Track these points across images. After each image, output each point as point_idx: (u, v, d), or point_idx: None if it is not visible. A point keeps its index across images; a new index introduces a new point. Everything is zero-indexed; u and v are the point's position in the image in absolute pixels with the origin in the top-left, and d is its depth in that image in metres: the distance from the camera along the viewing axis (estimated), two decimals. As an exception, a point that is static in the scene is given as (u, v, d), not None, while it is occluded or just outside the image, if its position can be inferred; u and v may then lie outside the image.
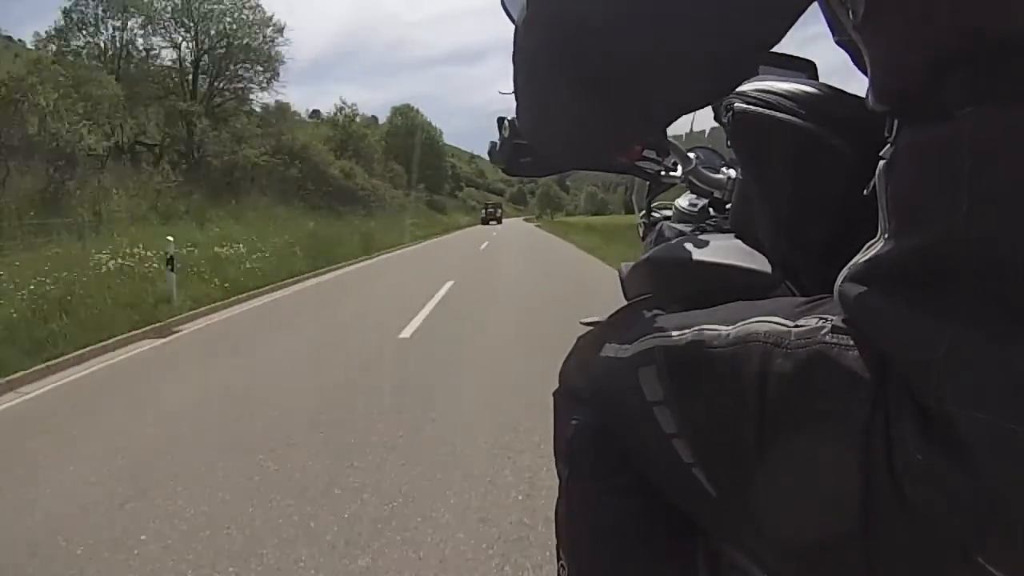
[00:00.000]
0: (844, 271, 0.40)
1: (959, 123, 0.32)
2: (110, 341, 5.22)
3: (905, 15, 0.33)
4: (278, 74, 23.39)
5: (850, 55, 0.42)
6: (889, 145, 0.38)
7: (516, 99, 0.51)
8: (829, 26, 0.43)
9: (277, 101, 26.37)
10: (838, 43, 0.43)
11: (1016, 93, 0.30)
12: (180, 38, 21.71)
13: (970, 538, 0.33)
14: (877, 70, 0.37)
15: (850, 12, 0.36)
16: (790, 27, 0.39)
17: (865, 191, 0.41)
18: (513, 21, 0.48)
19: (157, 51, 21.37)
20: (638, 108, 0.43)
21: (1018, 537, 0.31)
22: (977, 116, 0.31)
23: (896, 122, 0.37)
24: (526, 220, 66.27)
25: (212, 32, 22.04)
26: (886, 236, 0.37)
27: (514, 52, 0.46)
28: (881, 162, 0.39)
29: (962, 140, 0.32)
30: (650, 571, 0.61)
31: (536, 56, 0.44)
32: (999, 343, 0.30)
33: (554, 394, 0.74)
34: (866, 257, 0.38)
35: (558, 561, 0.72)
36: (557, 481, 0.70)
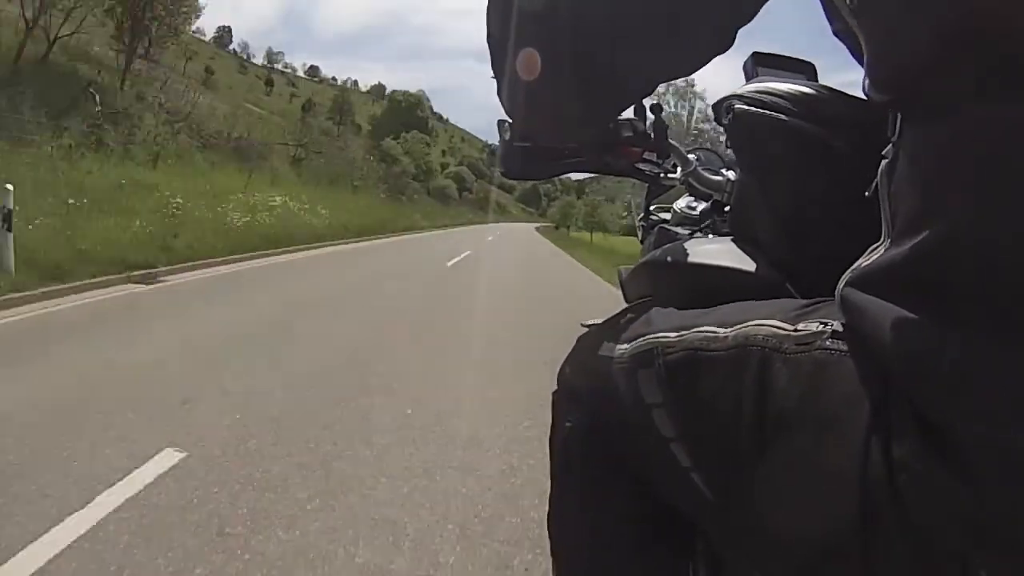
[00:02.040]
0: (846, 275, 0.40)
1: (964, 122, 0.31)
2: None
3: (904, 2, 0.33)
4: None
5: (847, 45, 0.42)
6: (892, 144, 0.37)
7: (496, 81, 0.51)
8: (826, 14, 0.42)
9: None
10: (835, 33, 0.42)
11: (1021, 90, 0.29)
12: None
13: (971, 551, 0.32)
14: (874, 58, 0.37)
15: None
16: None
17: (867, 192, 0.41)
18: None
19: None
20: (613, 75, 0.43)
21: (1020, 551, 0.31)
22: (983, 115, 0.31)
23: (899, 120, 0.37)
24: (540, 230, 42.38)
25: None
26: (889, 239, 0.37)
27: (487, 33, 0.47)
28: (883, 162, 0.38)
29: (965, 138, 0.31)
30: (646, 574, 0.61)
31: (506, 31, 0.45)
32: (1004, 357, 0.30)
33: (553, 394, 0.73)
34: (868, 261, 0.38)
35: (552, 557, 0.72)
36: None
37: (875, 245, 0.38)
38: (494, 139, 0.75)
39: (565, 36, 0.41)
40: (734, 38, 0.44)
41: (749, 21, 0.43)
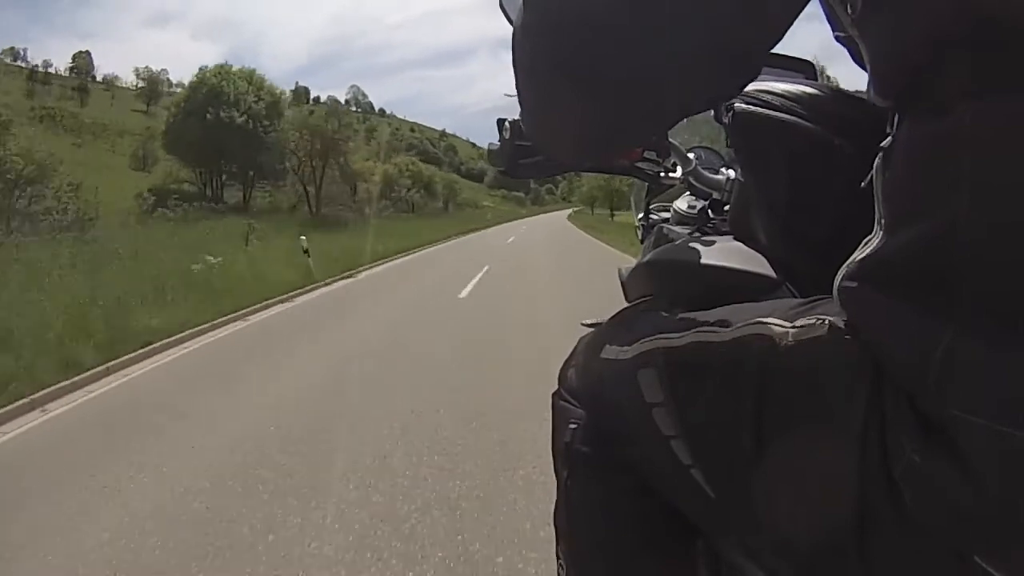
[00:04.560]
0: (843, 268, 0.40)
1: (958, 116, 0.31)
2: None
3: (903, 8, 0.33)
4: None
5: (849, 51, 0.42)
6: (889, 137, 0.38)
7: (519, 102, 0.51)
8: (828, 21, 0.42)
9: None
10: (837, 39, 0.42)
11: (1017, 85, 0.30)
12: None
13: (969, 542, 0.32)
14: (876, 65, 0.37)
15: (848, 7, 0.36)
16: (791, 23, 0.38)
17: (863, 183, 0.41)
18: (511, 23, 0.47)
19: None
20: (639, 110, 0.42)
21: (1019, 542, 0.31)
22: (977, 109, 0.31)
23: (896, 115, 0.37)
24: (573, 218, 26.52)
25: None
26: (882, 230, 0.37)
27: (513, 56, 0.46)
28: (879, 153, 0.38)
29: (961, 133, 0.31)
30: (650, 573, 0.61)
31: (534, 59, 0.44)
32: (997, 347, 0.30)
33: (553, 395, 0.73)
34: (864, 254, 0.38)
35: (557, 560, 0.72)
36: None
37: (868, 237, 0.39)
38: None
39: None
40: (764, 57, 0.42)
41: (780, 40, 0.40)
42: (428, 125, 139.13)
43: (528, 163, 0.77)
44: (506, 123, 0.77)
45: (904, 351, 0.34)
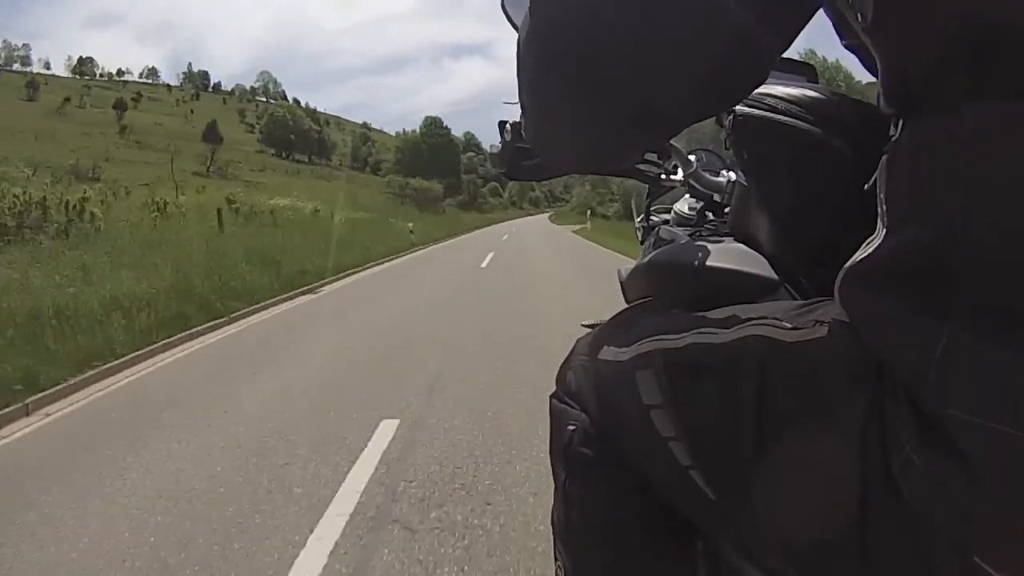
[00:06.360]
0: (844, 269, 0.40)
1: (960, 118, 0.31)
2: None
3: (913, 16, 0.33)
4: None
5: (859, 57, 0.42)
6: (893, 140, 0.38)
7: (521, 109, 0.51)
8: (835, 29, 0.42)
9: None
10: (846, 46, 0.42)
11: (1018, 88, 0.30)
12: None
13: (968, 540, 0.32)
14: (887, 72, 0.37)
15: (858, 15, 0.36)
16: (798, 32, 0.38)
17: (866, 186, 0.41)
18: (515, 28, 0.47)
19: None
20: (642, 119, 0.42)
21: (1017, 540, 0.31)
22: (978, 111, 0.31)
23: (901, 118, 0.37)
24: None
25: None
26: (884, 231, 0.37)
27: (518, 62, 0.46)
28: (884, 156, 0.38)
29: (963, 135, 0.31)
30: (649, 573, 0.61)
31: (539, 66, 0.44)
32: (996, 346, 0.30)
33: (551, 396, 0.73)
34: (865, 254, 0.38)
35: (556, 561, 0.72)
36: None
37: (871, 238, 0.39)
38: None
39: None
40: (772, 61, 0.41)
41: (788, 46, 0.40)
42: (355, 122, 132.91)
43: (529, 165, 0.78)
44: (507, 125, 0.77)
45: (904, 351, 0.34)
